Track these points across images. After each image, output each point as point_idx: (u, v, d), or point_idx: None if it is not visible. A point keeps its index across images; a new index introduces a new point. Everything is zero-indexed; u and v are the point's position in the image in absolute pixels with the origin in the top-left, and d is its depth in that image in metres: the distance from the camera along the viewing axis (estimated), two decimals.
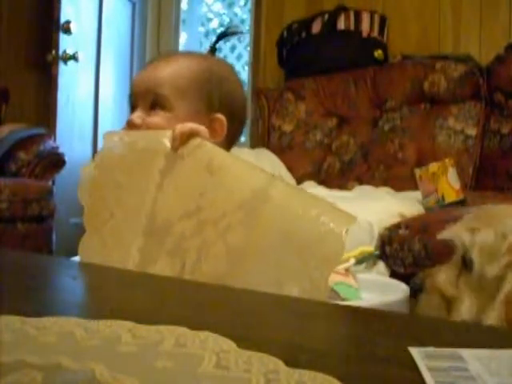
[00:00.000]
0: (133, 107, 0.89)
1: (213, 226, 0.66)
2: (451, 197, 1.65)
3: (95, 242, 0.74)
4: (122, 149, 0.78)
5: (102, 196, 0.75)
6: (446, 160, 1.73)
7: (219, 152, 0.72)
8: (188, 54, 0.97)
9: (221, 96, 0.88)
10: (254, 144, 2.58)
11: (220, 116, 0.87)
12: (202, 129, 0.76)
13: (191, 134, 0.73)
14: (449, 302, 0.76)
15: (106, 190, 0.75)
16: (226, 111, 0.88)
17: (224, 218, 0.65)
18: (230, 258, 0.65)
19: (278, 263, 0.63)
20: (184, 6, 3.45)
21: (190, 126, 0.75)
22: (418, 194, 1.77)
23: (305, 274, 0.61)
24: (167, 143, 0.73)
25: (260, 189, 0.66)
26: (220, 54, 3.50)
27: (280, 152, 2.37)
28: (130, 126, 0.85)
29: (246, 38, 3.28)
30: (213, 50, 1.44)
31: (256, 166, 0.71)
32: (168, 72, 0.88)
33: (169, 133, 0.74)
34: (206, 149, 0.71)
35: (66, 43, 2.66)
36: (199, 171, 0.70)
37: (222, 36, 1.32)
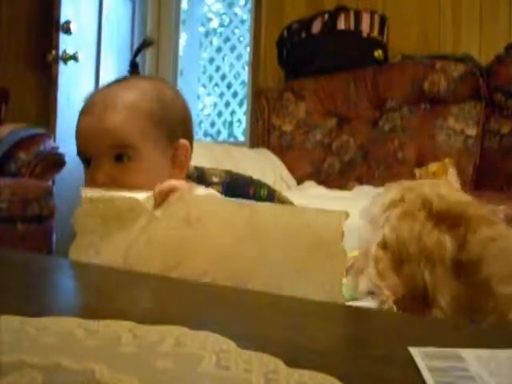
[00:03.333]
0: (87, 161, 0.82)
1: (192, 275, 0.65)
2: None
3: None
4: (103, 207, 0.75)
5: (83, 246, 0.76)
6: (446, 160, 1.73)
7: (198, 203, 0.70)
8: (128, 87, 0.85)
9: (175, 121, 0.83)
10: (254, 144, 2.58)
11: (182, 142, 0.82)
12: (180, 183, 0.72)
13: (170, 191, 0.70)
14: None
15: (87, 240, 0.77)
16: (184, 133, 0.83)
17: (207, 274, 0.64)
18: None
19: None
20: (184, 5, 3.45)
21: (168, 183, 0.71)
22: None
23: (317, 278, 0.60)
24: (147, 204, 0.70)
25: (246, 223, 0.64)
26: (220, 54, 3.50)
27: (280, 152, 2.38)
28: (99, 185, 0.79)
29: (246, 38, 3.28)
30: (134, 65, 1.37)
31: (234, 204, 0.69)
32: (122, 117, 0.79)
33: (148, 195, 0.71)
34: (184, 203, 0.69)
35: (66, 43, 2.66)
36: (178, 225, 0.68)
37: (140, 49, 1.30)
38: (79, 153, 0.85)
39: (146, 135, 0.79)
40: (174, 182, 0.71)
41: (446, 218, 0.68)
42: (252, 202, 0.70)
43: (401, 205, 0.70)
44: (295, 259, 0.62)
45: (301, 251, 0.62)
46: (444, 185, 0.71)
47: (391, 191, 0.73)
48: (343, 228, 0.60)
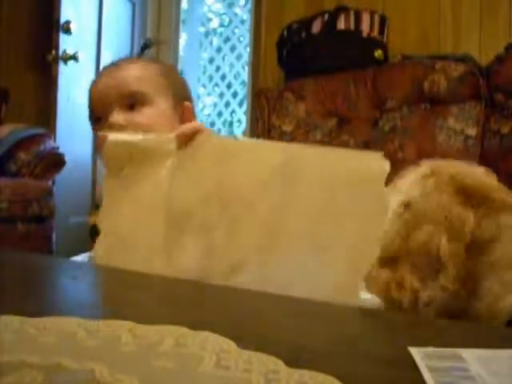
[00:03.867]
0: (98, 119, 0.84)
1: (238, 202, 0.62)
2: None
3: (113, 243, 0.71)
4: (130, 149, 0.74)
5: (115, 197, 0.72)
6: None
7: (227, 141, 0.70)
8: (137, 59, 0.96)
9: (180, 84, 0.91)
10: None
11: (187, 103, 0.89)
12: (201, 124, 0.73)
13: (194, 133, 0.70)
14: None
15: (118, 191, 0.72)
16: (188, 98, 0.90)
17: (248, 195, 0.61)
18: (263, 231, 0.60)
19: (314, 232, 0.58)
20: (184, 5, 3.45)
21: (191, 125, 0.72)
22: None
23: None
24: (173, 145, 0.70)
25: (286, 158, 0.61)
26: (220, 54, 3.51)
27: None
28: (115, 128, 0.80)
29: (246, 38, 3.28)
30: (146, 46, 1.44)
31: (265, 142, 0.68)
32: (136, 71, 0.86)
33: (171, 135, 0.71)
34: (214, 142, 0.68)
35: (65, 43, 2.66)
36: (212, 163, 0.66)
37: (145, 47, 1.34)
38: (91, 112, 0.86)
39: (157, 87, 0.85)
40: (196, 124, 0.72)
41: (472, 196, 0.68)
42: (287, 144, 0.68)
43: (431, 179, 0.70)
44: (335, 204, 0.59)
45: (341, 195, 0.59)
46: (478, 169, 0.71)
47: (422, 166, 0.73)
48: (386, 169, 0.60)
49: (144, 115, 0.82)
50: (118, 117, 0.81)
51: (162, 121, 0.80)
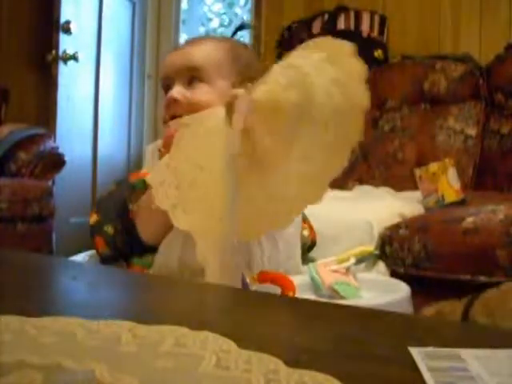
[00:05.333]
0: (166, 88, 0.89)
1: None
2: (451, 197, 1.65)
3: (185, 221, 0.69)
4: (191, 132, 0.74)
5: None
6: (446, 160, 1.73)
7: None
8: (213, 36, 1.03)
9: (246, 66, 0.90)
10: None
11: (250, 85, 0.88)
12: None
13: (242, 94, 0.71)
14: None
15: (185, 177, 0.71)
16: (256, 79, 0.89)
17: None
18: None
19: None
20: (184, 5, 3.45)
21: (238, 90, 0.73)
22: (418, 194, 1.77)
23: None
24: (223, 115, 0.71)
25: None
26: None
27: None
28: (170, 102, 0.85)
29: (246, 38, 3.28)
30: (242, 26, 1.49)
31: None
32: (203, 49, 0.89)
33: (221, 109, 0.72)
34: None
35: (65, 43, 2.66)
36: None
37: (238, 30, 1.36)
38: (162, 82, 0.91)
39: (218, 65, 0.87)
40: (236, 91, 0.73)
41: None
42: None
43: None
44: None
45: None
46: None
47: None
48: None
49: (201, 92, 0.84)
50: (174, 91, 0.85)
51: (217, 99, 0.80)
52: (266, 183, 0.66)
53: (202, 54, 0.89)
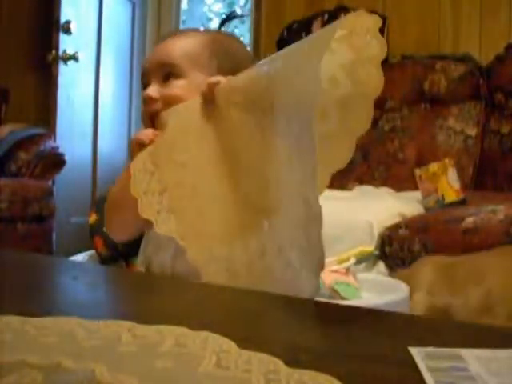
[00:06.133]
0: (145, 86, 0.88)
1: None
2: (451, 197, 1.65)
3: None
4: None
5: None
6: (446, 160, 1.73)
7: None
8: (194, 29, 0.98)
9: (228, 59, 0.88)
10: None
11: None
12: (222, 77, 0.74)
13: (218, 82, 0.72)
14: None
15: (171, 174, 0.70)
16: (239, 71, 0.85)
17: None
18: None
19: None
20: (184, 5, 3.45)
21: (215, 78, 0.73)
22: (418, 194, 1.77)
23: None
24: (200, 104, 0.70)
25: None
26: None
27: None
28: (147, 100, 0.84)
29: (246, 38, 3.28)
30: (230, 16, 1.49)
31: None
32: (177, 44, 0.88)
33: (197, 99, 0.71)
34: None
35: (65, 43, 2.66)
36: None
37: (226, 20, 1.37)
38: (141, 80, 0.91)
39: (194, 61, 0.85)
40: (218, 77, 0.73)
41: None
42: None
43: None
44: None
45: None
46: None
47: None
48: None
49: (176, 87, 0.84)
50: (150, 89, 0.85)
51: (194, 94, 0.79)
52: (260, 175, 0.64)
53: (177, 50, 0.87)
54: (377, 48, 0.61)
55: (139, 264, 0.86)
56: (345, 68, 0.61)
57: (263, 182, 0.63)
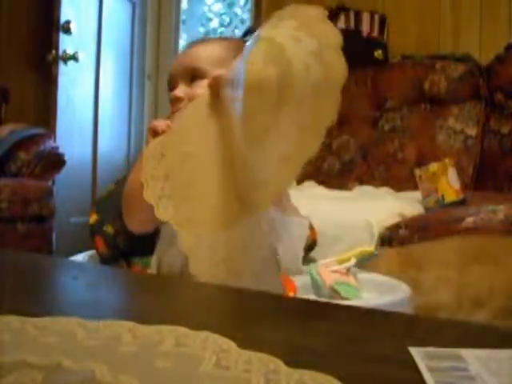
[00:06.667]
0: (172, 89, 0.93)
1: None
2: (451, 197, 1.65)
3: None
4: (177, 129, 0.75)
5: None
6: (446, 160, 1.73)
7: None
8: (219, 37, 1.05)
9: None
10: None
11: None
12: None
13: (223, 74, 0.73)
14: None
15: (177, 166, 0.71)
16: None
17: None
18: None
19: None
20: (184, 5, 3.45)
21: (216, 73, 0.75)
22: (418, 194, 1.77)
23: None
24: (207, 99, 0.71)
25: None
26: None
27: None
28: (174, 100, 0.90)
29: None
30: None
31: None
32: (204, 49, 0.94)
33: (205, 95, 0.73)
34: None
35: (66, 43, 2.66)
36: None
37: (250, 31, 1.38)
38: (168, 84, 0.95)
39: (220, 62, 0.89)
40: (221, 72, 0.74)
41: None
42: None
43: None
44: None
45: None
46: None
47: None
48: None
49: (201, 87, 0.86)
50: (177, 90, 0.90)
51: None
52: (245, 166, 0.65)
53: (202, 54, 0.92)
54: (333, 35, 0.62)
55: (152, 264, 0.86)
56: (312, 54, 0.62)
57: (253, 177, 0.64)
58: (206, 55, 0.92)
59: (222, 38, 1.01)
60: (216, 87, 0.71)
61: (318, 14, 0.63)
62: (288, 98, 0.61)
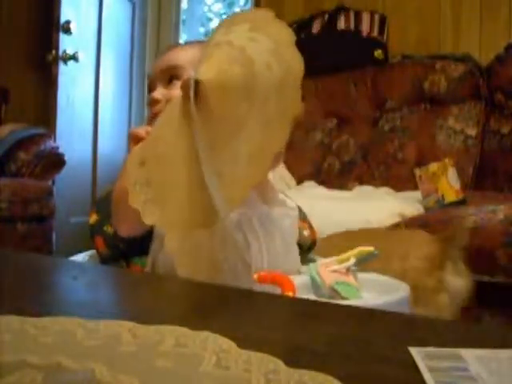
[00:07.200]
0: (151, 91, 0.93)
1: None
2: (451, 197, 1.65)
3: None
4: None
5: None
6: (446, 160, 1.73)
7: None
8: (197, 40, 1.05)
9: None
10: None
11: None
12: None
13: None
14: None
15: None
16: None
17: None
18: None
19: None
20: (184, 5, 3.45)
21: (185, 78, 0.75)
22: (417, 194, 1.77)
23: None
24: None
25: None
26: None
27: None
28: (152, 102, 0.90)
29: None
30: None
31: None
32: (182, 50, 0.94)
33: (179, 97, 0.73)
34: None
35: (66, 43, 2.66)
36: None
37: None
38: (148, 87, 0.96)
39: (195, 61, 0.88)
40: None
41: None
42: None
43: None
44: None
45: None
46: None
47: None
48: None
49: (177, 88, 0.86)
50: (155, 92, 0.90)
51: None
52: (214, 163, 0.65)
53: (180, 55, 0.92)
54: (286, 33, 0.64)
55: (148, 264, 0.86)
56: (270, 52, 0.64)
57: (223, 176, 0.65)
58: (185, 56, 0.92)
59: (200, 41, 1.02)
60: (187, 89, 0.72)
61: (267, 14, 0.65)
62: (253, 96, 0.62)
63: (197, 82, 0.64)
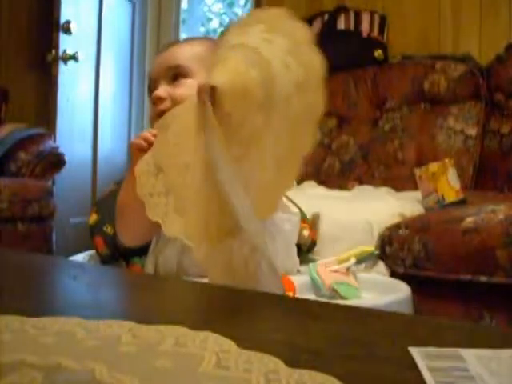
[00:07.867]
0: (153, 90, 0.90)
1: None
2: (451, 197, 1.65)
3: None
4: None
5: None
6: (446, 160, 1.73)
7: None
8: (199, 36, 1.04)
9: None
10: None
11: None
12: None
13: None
14: None
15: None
16: None
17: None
18: None
19: None
20: (184, 5, 3.45)
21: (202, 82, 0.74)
22: (417, 194, 1.77)
23: None
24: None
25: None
26: None
27: None
28: (156, 100, 0.86)
29: None
30: None
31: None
32: (184, 48, 0.91)
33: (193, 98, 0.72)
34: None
35: (66, 43, 2.66)
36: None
37: None
38: (148, 87, 0.93)
39: (201, 59, 0.87)
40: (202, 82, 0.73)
41: None
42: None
43: None
44: None
45: None
46: None
47: None
48: None
49: (184, 86, 0.85)
50: (159, 89, 0.87)
51: None
52: (238, 172, 0.63)
53: (184, 52, 0.90)
54: (303, 31, 0.62)
55: (148, 264, 0.86)
56: (289, 52, 0.62)
57: (251, 184, 0.63)
58: (189, 53, 0.89)
59: (205, 38, 0.99)
60: (203, 95, 0.69)
61: (282, 13, 0.63)
62: (273, 98, 0.60)
63: (213, 87, 0.62)
